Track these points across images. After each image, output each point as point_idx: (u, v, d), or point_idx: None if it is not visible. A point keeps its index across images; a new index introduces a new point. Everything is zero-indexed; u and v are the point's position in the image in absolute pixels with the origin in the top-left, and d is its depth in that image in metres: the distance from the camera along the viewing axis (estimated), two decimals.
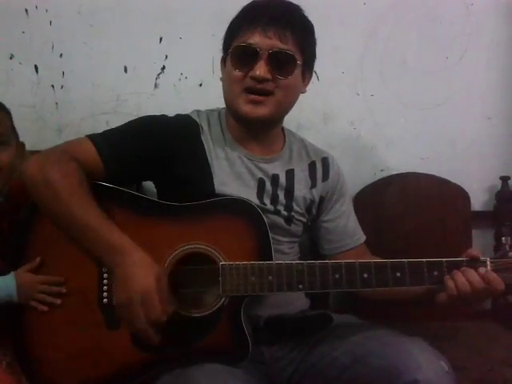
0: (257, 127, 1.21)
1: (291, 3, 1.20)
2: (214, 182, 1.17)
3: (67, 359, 1.09)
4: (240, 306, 1.08)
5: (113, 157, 1.14)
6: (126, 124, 1.21)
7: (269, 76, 1.12)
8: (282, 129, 1.31)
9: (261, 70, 1.11)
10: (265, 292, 1.08)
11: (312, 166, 1.30)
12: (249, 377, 1.05)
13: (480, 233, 1.81)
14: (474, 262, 1.07)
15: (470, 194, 1.76)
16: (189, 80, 1.72)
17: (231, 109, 1.20)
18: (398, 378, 0.97)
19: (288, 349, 1.19)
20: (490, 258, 1.08)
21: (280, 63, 1.13)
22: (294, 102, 1.22)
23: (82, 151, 1.14)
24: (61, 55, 1.68)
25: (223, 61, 1.22)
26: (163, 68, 1.72)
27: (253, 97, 1.14)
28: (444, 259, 1.08)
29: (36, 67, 1.69)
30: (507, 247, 1.06)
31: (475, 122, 1.82)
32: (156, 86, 1.72)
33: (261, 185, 1.21)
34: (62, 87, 1.70)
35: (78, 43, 1.68)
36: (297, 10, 1.19)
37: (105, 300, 1.10)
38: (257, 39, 1.12)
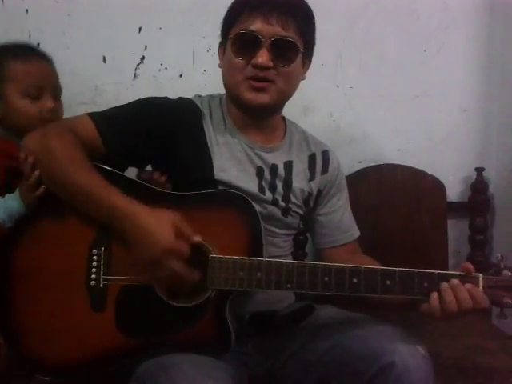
0: (257, 114, 1.20)
1: None
2: (214, 168, 1.16)
3: (52, 338, 1.09)
4: (226, 300, 1.07)
5: (112, 134, 1.13)
6: (126, 104, 1.20)
7: (271, 64, 1.12)
8: (284, 119, 1.31)
9: (263, 58, 1.11)
10: (252, 288, 1.07)
11: (312, 159, 1.29)
12: (230, 367, 1.06)
13: (455, 223, 1.85)
14: (466, 277, 1.04)
15: (446, 185, 1.79)
16: (169, 71, 1.72)
17: (233, 96, 1.19)
18: (376, 360, 1.00)
19: (270, 339, 1.20)
20: (484, 275, 1.04)
21: (282, 51, 1.13)
22: (295, 90, 1.22)
23: (81, 127, 1.13)
24: (38, 44, 1.65)
25: (222, 47, 1.21)
26: (143, 58, 1.71)
27: (255, 83, 1.13)
28: (436, 271, 1.04)
29: None
30: (502, 265, 1.05)
31: (452, 114, 1.85)
32: (135, 76, 1.71)
33: (260, 173, 1.21)
34: None
35: (56, 32, 1.66)
36: None
37: (92, 282, 1.09)
38: (258, 26, 1.11)
